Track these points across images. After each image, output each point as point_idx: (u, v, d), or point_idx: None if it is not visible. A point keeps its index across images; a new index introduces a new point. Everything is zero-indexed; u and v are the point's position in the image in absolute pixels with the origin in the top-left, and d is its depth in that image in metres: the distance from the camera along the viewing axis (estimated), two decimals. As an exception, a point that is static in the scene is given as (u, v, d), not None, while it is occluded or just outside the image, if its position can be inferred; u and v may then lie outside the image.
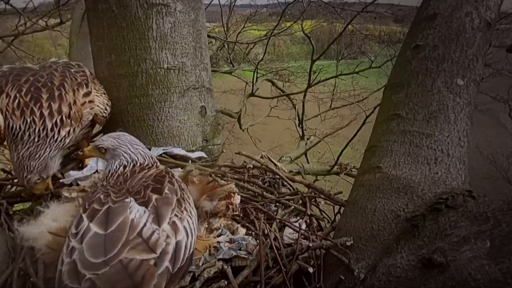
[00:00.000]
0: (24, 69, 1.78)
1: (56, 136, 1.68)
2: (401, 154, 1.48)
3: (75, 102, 1.75)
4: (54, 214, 1.30)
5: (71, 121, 1.72)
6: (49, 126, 1.65)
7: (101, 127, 2.50)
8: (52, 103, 1.67)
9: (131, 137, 1.48)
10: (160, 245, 1.07)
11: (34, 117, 1.62)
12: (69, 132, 1.72)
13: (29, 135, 1.62)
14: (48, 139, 1.66)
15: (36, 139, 1.63)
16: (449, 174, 1.42)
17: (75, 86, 1.79)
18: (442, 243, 1.21)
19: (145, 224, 1.10)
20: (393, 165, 1.48)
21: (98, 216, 1.10)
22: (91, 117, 1.88)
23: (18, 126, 1.61)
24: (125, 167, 1.41)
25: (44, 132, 1.64)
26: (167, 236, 1.10)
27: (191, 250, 1.19)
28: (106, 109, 1.97)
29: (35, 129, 1.62)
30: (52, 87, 1.71)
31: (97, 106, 1.89)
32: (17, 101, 1.62)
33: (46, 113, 1.65)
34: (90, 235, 1.05)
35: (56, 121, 1.67)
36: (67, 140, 1.74)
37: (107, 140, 1.45)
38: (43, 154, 1.66)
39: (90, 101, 1.85)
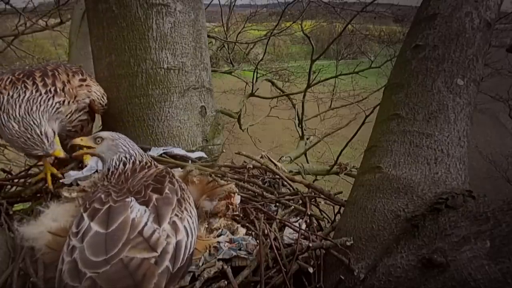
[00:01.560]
0: (21, 67, 1.80)
1: (50, 101, 1.60)
2: (401, 154, 1.48)
3: (69, 81, 1.75)
4: (54, 214, 1.30)
5: (65, 94, 1.69)
6: (43, 90, 1.60)
7: (101, 126, 2.50)
8: (45, 78, 1.65)
9: (125, 136, 1.51)
10: (161, 244, 1.07)
11: (26, 85, 1.57)
12: (63, 102, 1.66)
13: (20, 95, 1.54)
14: (42, 98, 1.58)
15: (29, 96, 1.55)
16: (449, 174, 1.42)
17: (70, 73, 1.80)
18: (442, 243, 1.21)
19: (146, 224, 1.10)
20: (393, 165, 1.48)
21: (99, 215, 1.10)
22: (87, 100, 1.85)
23: (8, 95, 1.54)
24: (125, 164, 1.41)
25: (37, 93, 1.58)
26: (168, 236, 1.11)
27: (191, 250, 1.19)
28: (103, 97, 1.96)
29: (25, 91, 1.56)
30: (46, 70, 1.72)
31: (94, 92, 1.89)
32: (9, 79, 1.61)
33: (39, 83, 1.61)
34: (91, 234, 1.06)
35: (49, 89, 1.63)
36: (62, 110, 1.66)
37: (105, 132, 1.46)
38: (40, 108, 1.56)
39: (87, 85, 1.85)
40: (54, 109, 1.63)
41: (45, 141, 1.53)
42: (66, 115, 1.72)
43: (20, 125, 1.49)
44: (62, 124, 1.70)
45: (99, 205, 1.14)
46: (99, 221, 1.08)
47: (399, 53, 1.77)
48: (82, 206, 1.18)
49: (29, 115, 1.51)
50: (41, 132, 1.52)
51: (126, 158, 1.42)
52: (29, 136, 1.50)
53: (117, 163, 1.41)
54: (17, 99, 1.53)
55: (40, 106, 1.56)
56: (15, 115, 1.50)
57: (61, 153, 1.61)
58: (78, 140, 1.47)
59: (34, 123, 1.50)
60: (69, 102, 1.71)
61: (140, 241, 1.05)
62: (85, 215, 1.12)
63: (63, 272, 1.01)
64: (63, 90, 1.68)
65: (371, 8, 7.58)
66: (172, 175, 1.39)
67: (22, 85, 1.58)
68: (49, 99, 1.61)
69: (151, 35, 2.17)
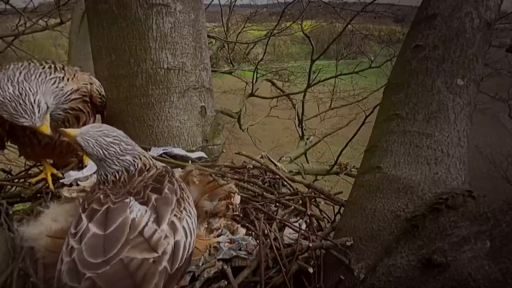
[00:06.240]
0: None
1: (50, 75, 1.61)
2: (401, 154, 1.48)
3: (68, 67, 1.77)
4: (54, 214, 1.30)
5: (65, 72, 1.69)
6: (46, 65, 1.62)
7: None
8: (46, 61, 1.70)
9: (120, 146, 1.27)
10: (162, 245, 1.07)
11: (29, 61, 1.62)
12: (62, 78, 1.66)
13: (22, 65, 1.57)
14: (43, 70, 1.59)
15: (30, 67, 1.57)
16: (449, 174, 1.42)
17: (71, 66, 1.84)
18: (442, 243, 1.21)
19: (146, 224, 1.09)
20: (393, 165, 1.48)
21: (97, 217, 1.09)
22: (89, 87, 1.84)
23: (14, 66, 1.56)
24: (116, 175, 1.29)
25: (40, 67, 1.60)
26: (166, 236, 1.10)
27: (190, 251, 1.19)
28: (100, 87, 1.94)
29: (29, 65, 1.59)
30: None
31: (95, 82, 1.89)
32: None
33: (40, 62, 1.66)
34: (89, 236, 1.05)
35: (50, 66, 1.65)
36: (61, 85, 1.64)
37: (92, 147, 1.24)
38: (39, 78, 1.55)
39: (89, 74, 1.88)
40: (52, 82, 1.61)
41: (36, 111, 1.48)
42: (65, 92, 1.68)
43: (15, 88, 1.45)
44: (58, 100, 1.65)
45: (97, 206, 1.13)
46: (97, 223, 1.07)
47: (399, 53, 1.77)
48: (81, 206, 1.17)
49: (26, 81, 1.49)
50: (34, 100, 1.47)
51: (117, 172, 1.29)
52: (21, 102, 1.45)
53: (109, 176, 1.29)
54: (19, 68, 1.55)
55: (39, 76, 1.56)
56: (14, 79, 1.48)
57: (47, 130, 1.53)
58: (65, 133, 1.39)
59: (30, 90, 1.47)
60: (68, 79, 1.70)
61: (140, 241, 1.05)
62: (83, 215, 1.11)
63: (62, 273, 1.00)
64: (63, 68, 1.71)
65: (371, 8, 7.58)
66: (172, 174, 1.38)
67: (26, 62, 1.62)
68: (50, 73, 1.62)
69: (151, 35, 2.17)
